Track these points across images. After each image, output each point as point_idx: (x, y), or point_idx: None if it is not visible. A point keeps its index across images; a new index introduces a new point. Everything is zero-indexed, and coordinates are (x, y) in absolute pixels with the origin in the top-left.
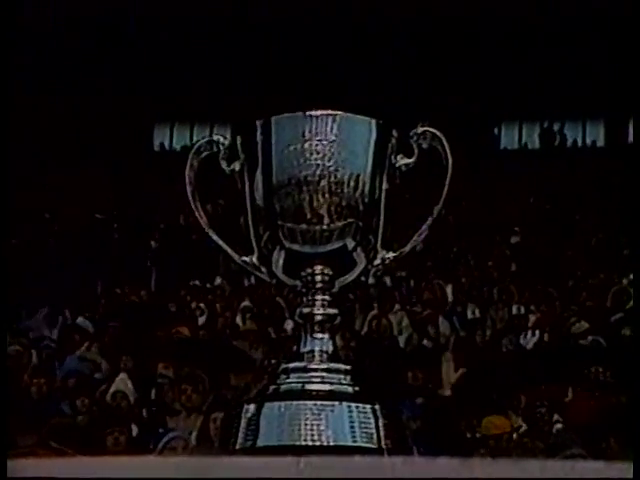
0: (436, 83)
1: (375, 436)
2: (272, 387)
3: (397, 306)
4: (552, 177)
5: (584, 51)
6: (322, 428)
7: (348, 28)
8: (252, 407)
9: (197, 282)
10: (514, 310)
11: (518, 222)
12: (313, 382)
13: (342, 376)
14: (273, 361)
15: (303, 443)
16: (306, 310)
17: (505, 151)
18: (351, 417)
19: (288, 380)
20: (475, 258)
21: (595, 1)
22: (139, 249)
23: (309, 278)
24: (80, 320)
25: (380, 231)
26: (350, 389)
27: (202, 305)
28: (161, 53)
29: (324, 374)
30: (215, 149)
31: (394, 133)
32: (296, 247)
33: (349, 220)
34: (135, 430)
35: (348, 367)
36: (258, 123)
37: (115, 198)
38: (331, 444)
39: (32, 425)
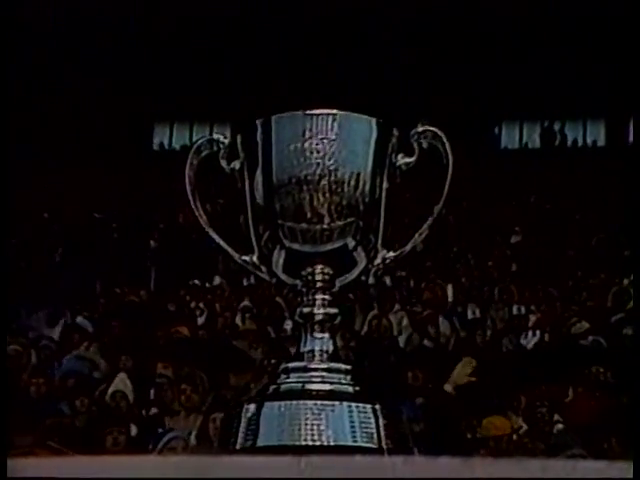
0: (436, 83)
1: (375, 436)
2: (272, 387)
3: (397, 306)
4: (552, 177)
5: (585, 51)
6: (322, 428)
7: (348, 27)
8: (252, 407)
9: (196, 282)
10: (514, 310)
11: (518, 222)
12: (313, 382)
13: (342, 376)
14: (273, 361)
15: (303, 443)
16: (306, 309)
17: (506, 151)
18: (351, 417)
19: (288, 380)
20: (475, 258)
21: (595, 1)
22: (138, 249)
23: (309, 277)
24: (79, 320)
25: (380, 230)
26: (350, 389)
27: (201, 305)
28: (161, 52)
29: (324, 374)
30: (215, 148)
31: (395, 132)
32: (296, 246)
33: (349, 219)
34: (134, 430)
35: (348, 367)
36: (258, 122)
37: (114, 197)
38: (331, 444)
39: (31, 425)
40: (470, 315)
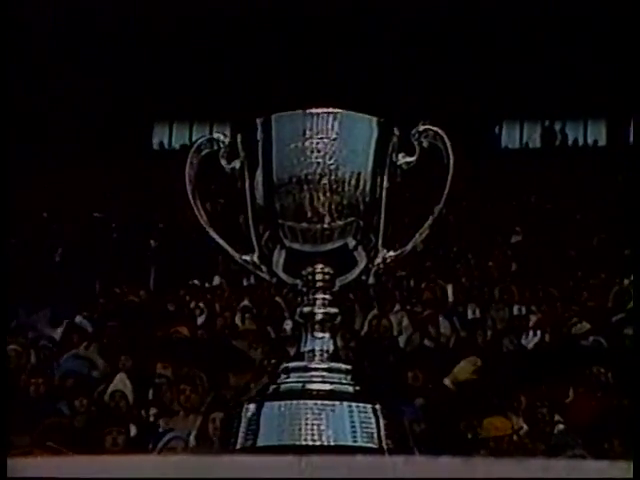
0: (437, 82)
1: (376, 436)
2: (272, 386)
3: (397, 306)
4: (553, 177)
5: (585, 50)
6: (323, 428)
7: (348, 27)
8: (252, 407)
9: (196, 282)
10: (515, 310)
11: (519, 222)
12: (314, 381)
13: (343, 376)
14: (272, 361)
15: (303, 443)
16: (307, 309)
17: (506, 150)
18: (352, 417)
19: (288, 379)
20: (476, 258)
21: (595, 1)
22: (138, 248)
23: (310, 277)
24: (79, 320)
25: (381, 230)
26: (351, 389)
27: (201, 305)
28: (161, 52)
29: (325, 373)
30: (215, 147)
31: (395, 131)
32: (297, 246)
33: (350, 219)
34: (134, 430)
35: (349, 367)
36: (258, 121)
37: (114, 197)
38: (332, 444)
39: (30, 425)
40: (470, 315)
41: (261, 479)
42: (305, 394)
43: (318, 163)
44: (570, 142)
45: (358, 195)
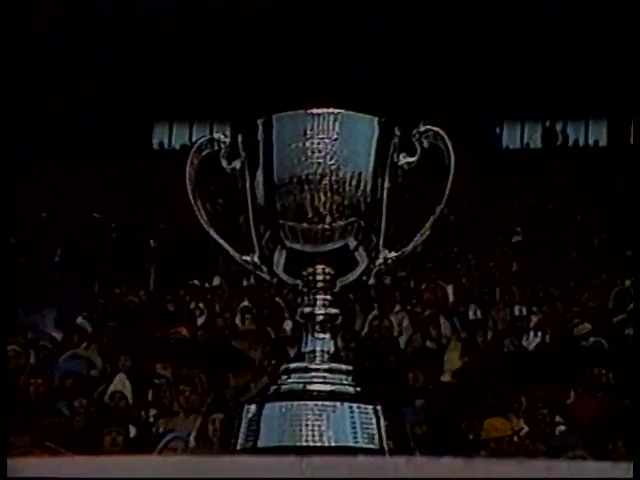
0: (438, 82)
1: (377, 437)
2: (273, 387)
3: (398, 307)
4: (554, 177)
5: (586, 50)
6: (323, 429)
7: (348, 27)
8: (253, 407)
9: (196, 282)
10: (516, 311)
11: (520, 222)
12: (314, 382)
13: (344, 376)
14: (273, 362)
15: (304, 444)
16: (307, 310)
17: (507, 150)
18: (353, 418)
19: (289, 380)
20: (476, 258)
21: (596, 1)
22: (138, 249)
23: (310, 277)
24: (78, 320)
25: (382, 230)
26: (352, 389)
27: (201, 305)
28: (161, 52)
29: (326, 374)
30: (216, 147)
31: (396, 131)
32: (297, 246)
33: (351, 219)
34: (133, 431)
35: (350, 367)
36: (259, 121)
37: (114, 197)
38: (332, 445)
39: (30, 425)
40: (471, 316)
41: (262, 479)
42: (306, 395)
43: (319, 163)
44: (571, 142)
45: (359, 195)
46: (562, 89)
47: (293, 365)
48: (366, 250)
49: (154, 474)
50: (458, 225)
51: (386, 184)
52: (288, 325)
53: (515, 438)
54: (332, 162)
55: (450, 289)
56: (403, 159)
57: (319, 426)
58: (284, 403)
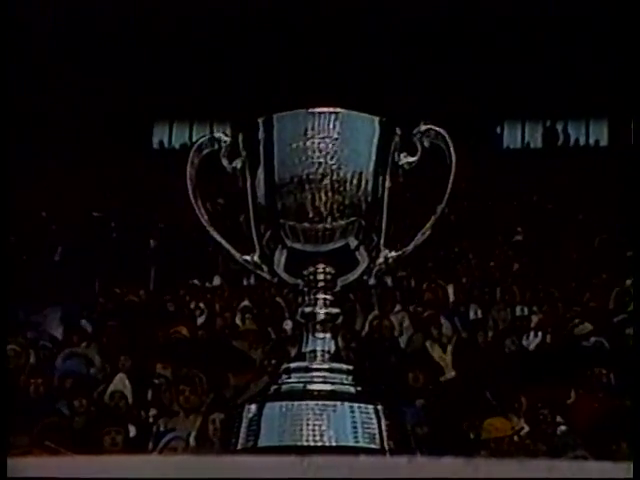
0: (438, 82)
1: (377, 437)
2: (274, 387)
3: (398, 306)
4: (555, 177)
5: (586, 50)
6: (324, 428)
7: (349, 27)
8: (253, 407)
9: (196, 282)
10: (517, 311)
11: (520, 222)
12: (315, 382)
13: (344, 376)
14: (273, 361)
15: (305, 443)
16: (308, 309)
17: (508, 150)
18: (353, 417)
19: (290, 380)
20: (477, 258)
21: (596, 0)
22: (138, 248)
23: (311, 277)
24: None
25: (383, 230)
26: (352, 389)
27: (201, 305)
28: (161, 52)
29: (326, 374)
30: (217, 146)
31: (397, 131)
32: (298, 246)
33: (352, 219)
34: (133, 431)
35: (350, 367)
36: (260, 120)
37: (114, 197)
38: (333, 444)
39: (29, 425)
40: (472, 316)
41: (263, 479)
42: (306, 394)
43: (320, 163)
44: (572, 142)
45: (360, 195)
46: (563, 89)
47: (294, 365)
48: (367, 250)
49: (154, 474)
50: (459, 225)
51: (387, 184)
52: (288, 325)
53: (515, 438)
54: (333, 161)
55: (451, 289)
56: (404, 159)
57: (320, 426)
58: (285, 403)
